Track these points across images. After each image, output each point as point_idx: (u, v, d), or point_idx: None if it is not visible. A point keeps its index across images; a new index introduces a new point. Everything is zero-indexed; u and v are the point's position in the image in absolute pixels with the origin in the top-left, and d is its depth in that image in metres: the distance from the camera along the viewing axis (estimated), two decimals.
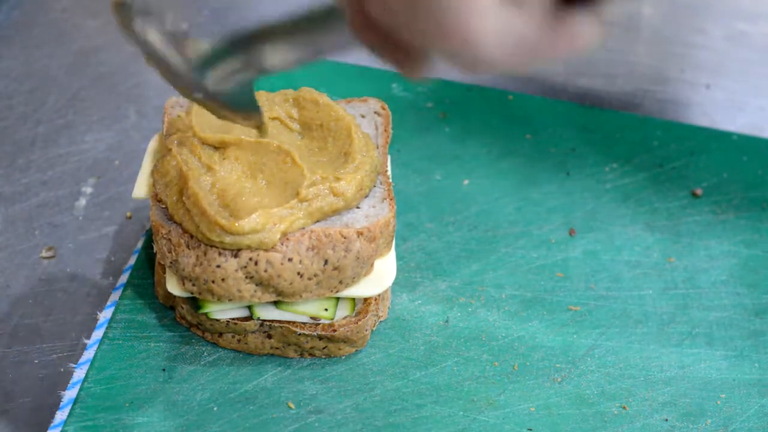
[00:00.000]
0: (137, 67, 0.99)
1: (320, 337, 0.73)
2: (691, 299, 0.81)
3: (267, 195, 0.71)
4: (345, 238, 0.70)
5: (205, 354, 0.74)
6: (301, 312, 0.73)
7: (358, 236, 0.70)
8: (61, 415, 0.70)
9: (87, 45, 1.00)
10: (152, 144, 0.78)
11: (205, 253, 0.69)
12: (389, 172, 0.77)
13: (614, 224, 0.86)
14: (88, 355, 0.74)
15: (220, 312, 0.72)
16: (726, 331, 0.79)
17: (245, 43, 0.61)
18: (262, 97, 0.77)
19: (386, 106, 0.80)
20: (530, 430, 0.72)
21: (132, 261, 0.80)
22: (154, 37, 0.62)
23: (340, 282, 0.71)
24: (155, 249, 0.72)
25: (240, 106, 0.66)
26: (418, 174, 0.89)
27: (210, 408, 0.71)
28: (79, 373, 0.73)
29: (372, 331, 0.76)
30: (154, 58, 0.62)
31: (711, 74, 1.06)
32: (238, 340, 0.74)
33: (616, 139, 0.94)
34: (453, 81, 0.99)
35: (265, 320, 0.73)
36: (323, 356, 0.75)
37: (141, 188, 0.75)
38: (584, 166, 0.91)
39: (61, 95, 0.95)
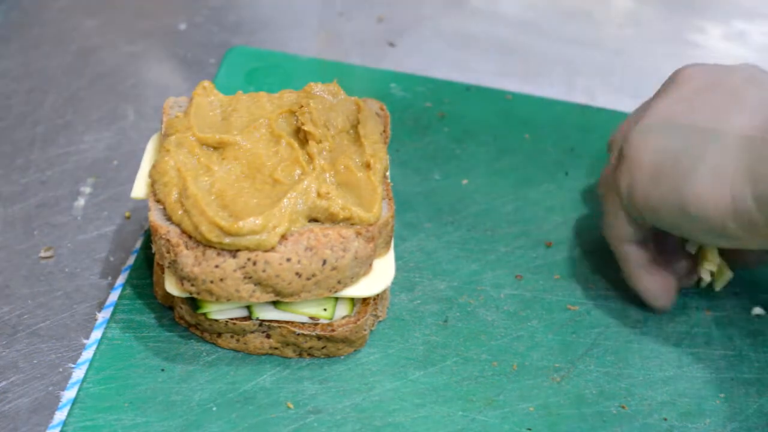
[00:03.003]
0: (136, 66, 0.99)
1: (319, 337, 0.73)
2: (689, 299, 0.81)
3: (266, 196, 0.71)
4: (343, 238, 0.70)
5: (204, 354, 0.74)
6: (299, 312, 0.73)
7: (357, 236, 0.70)
8: (60, 416, 0.71)
9: (85, 45, 1.00)
10: (151, 144, 0.78)
11: (203, 254, 0.69)
12: (388, 172, 0.77)
13: None
14: (87, 355, 0.74)
15: (219, 312, 0.72)
16: (725, 331, 0.79)
17: None
18: (263, 98, 0.77)
19: (385, 107, 0.80)
20: (529, 429, 0.72)
21: (131, 261, 0.80)
22: None
23: (339, 282, 0.71)
24: (154, 249, 0.72)
25: None
26: (416, 174, 0.89)
27: (209, 408, 0.71)
28: (78, 374, 0.73)
29: (371, 330, 0.76)
30: None
31: None
32: (237, 340, 0.74)
33: None
34: (451, 81, 0.99)
35: (263, 320, 0.73)
36: (322, 356, 0.75)
37: (140, 188, 0.75)
38: (583, 166, 0.92)
39: (60, 95, 0.95)
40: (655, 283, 0.78)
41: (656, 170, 0.72)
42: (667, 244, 0.79)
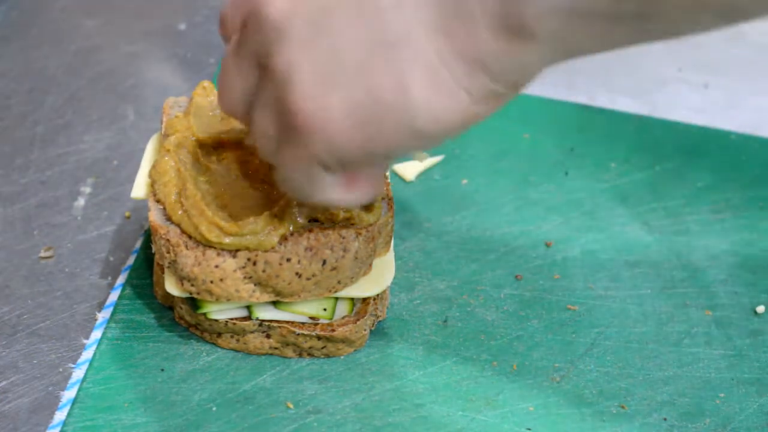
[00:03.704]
0: (135, 66, 0.99)
1: (319, 337, 0.73)
2: (689, 298, 0.81)
3: (266, 196, 0.71)
4: (343, 238, 0.70)
5: (204, 354, 0.74)
6: (299, 312, 0.73)
7: (357, 236, 0.70)
8: (60, 416, 0.70)
9: (85, 45, 1.00)
10: (151, 144, 0.78)
11: (203, 254, 0.69)
12: (388, 172, 0.77)
13: (613, 224, 0.86)
14: (87, 355, 0.74)
15: (219, 312, 0.72)
16: (725, 331, 0.79)
17: None
18: None
19: None
20: (529, 429, 0.72)
21: (131, 261, 0.80)
22: None
23: (339, 282, 0.71)
24: (154, 249, 0.72)
25: None
26: (416, 174, 0.89)
27: (209, 408, 0.71)
28: (77, 374, 0.73)
29: (371, 330, 0.76)
30: None
31: (709, 73, 1.06)
32: (237, 340, 0.74)
33: (614, 138, 0.94)
34: None
35: (263, 320, 0.73)
36: (322, 356, 0.75)
37: (140, 188, 0.75)
38: (583, 166, 0.92)
39: (60, 95, 0.95)
40: (361, 189, 0.65)
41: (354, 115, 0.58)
42: None
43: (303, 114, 0.59)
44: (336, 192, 0.63)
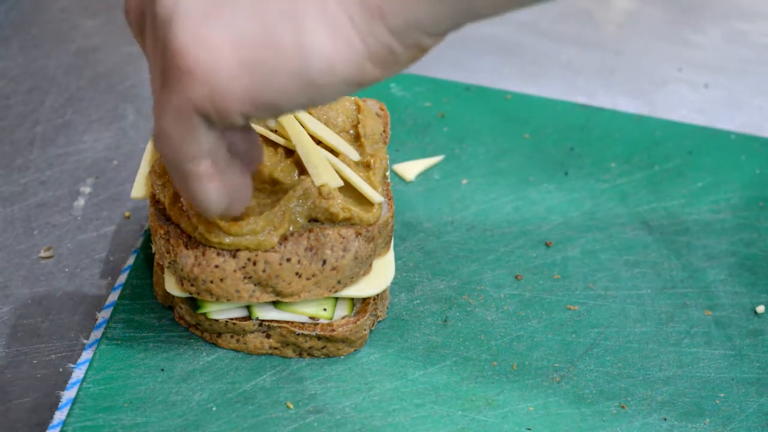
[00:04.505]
0: (135, 66, 0.99)
1: (319, 337, 0.73)
2: (689, 298, 0.81)
3: (266, 196, 0.71)
4: (343, 238, 0.70)
5: (204, 354, 0.74)
6: (299, 312, 0.73)
7: (357, 236, 0.70)
8: (59, 416, 0.70)
9: (85, 45, 1.00)
10: (151, 144, 0.78)
11: (203, 254, 0.69)
12: (388, 172, 0.77)
13: (612, 224, 0.86)
14: (87, 355, 0.74)
15: (219, 312, 0.72)
16: (724, 331, 0.79)
17: None
18: None
19: (385, 107, 0.81)
20: (529, 429, 0.72)
21: (131, 261, 0.80)
22: None
23: (339, 282, 0.71)
24: (154, 249, 0.72)
25: None
26: (416, 174, 0.89)
27: (209, 408, 0.71)
28: (77, 374, 0.73)
29: (371, 330, 0.76)
30: None
31: (709, 73, 1.06)
32: (237, 340, 0.74)
33: (614, 138, 0.94)
34: (451, 80, 0.99)
35: (263, 320, 0.73)
36: (322, 356, 0.75)
37: (139, 188, 0.75)
38: (582, 166, 0.92)
39: (60, 95, 0.95)
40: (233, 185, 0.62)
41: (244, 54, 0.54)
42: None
43: (184, 52, 0.53)
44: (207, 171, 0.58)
